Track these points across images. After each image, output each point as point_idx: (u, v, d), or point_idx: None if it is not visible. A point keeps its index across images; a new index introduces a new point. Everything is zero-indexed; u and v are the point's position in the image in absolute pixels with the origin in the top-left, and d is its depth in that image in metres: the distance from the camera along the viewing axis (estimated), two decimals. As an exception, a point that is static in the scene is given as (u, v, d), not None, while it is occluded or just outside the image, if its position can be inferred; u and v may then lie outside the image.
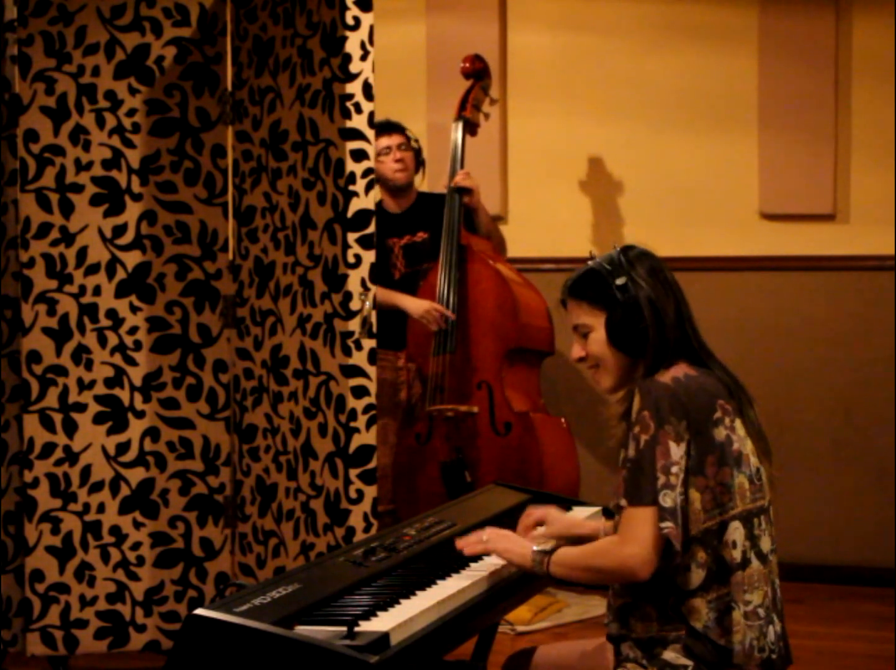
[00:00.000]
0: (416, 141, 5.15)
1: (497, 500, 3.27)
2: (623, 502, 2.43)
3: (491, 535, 2.68)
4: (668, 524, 2.39)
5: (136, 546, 4.05)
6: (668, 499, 2.40)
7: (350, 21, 3.66)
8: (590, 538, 2.73)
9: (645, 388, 2.46)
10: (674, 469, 2.41)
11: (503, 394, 4.87)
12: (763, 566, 2.50)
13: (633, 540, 2.41)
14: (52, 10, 3.96)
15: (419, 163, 5.16)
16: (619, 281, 2.53)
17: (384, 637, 2.20)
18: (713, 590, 2.45)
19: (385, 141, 5.03)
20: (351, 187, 3.66)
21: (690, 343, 2.56)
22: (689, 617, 2.44)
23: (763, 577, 2.50)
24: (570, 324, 2.62)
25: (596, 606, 4.82)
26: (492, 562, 2.71)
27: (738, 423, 2.52)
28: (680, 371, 2.50)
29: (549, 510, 2.89)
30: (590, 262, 2.59)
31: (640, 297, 2.52)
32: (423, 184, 5.22)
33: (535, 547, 2.59)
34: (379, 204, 5.00)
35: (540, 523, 2.86)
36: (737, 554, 2.46)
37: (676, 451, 2.41)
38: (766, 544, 2.52)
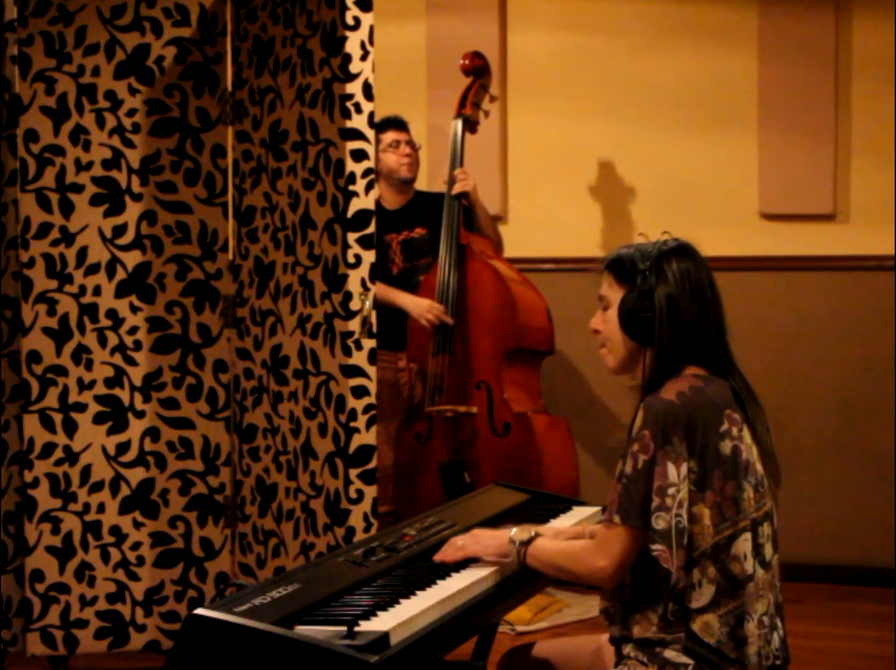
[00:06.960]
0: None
1: (497, 500, 3.27)
2: (616, 518, 2.44)
3: (465, 540, 2.71)
4: (658, 547, 2.39)
5: (136, 546, 4.05)
6: (660, 522, 2.39)
7: (350, 21, 3.66)
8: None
9: (648, 406, 2.44)
10: (670, 491, 2.39)
11: (502, 395, 4.86)
12: (766, 572, 2.49)
13: (607, 555, 2.45)
14: (52, 10, 3.96)
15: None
16: (643, 266, 2.53)
17: (384, 637, 2.20)
18: (724, 605, 2.43)
19: (394, 135, 5.08)
20: (351, 187, 3.66)
21: (712, 351, 2.53)
22: (701, 633, 2.42)
23: (767, 584, 2.48)
24: (598, 294, 2.63)
25: (596, 606, 4.78)
26: (491, 563, 2.71)
27: (745, 431, 2.49)
28: (685, 383, 2.46)
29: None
30: (634, 242, 2.61)
31: (657, 290, 2.51)
32: (416, 183, 5.23)
33: (511, 535, 2.62)
34: (377, 200, 5.02)
35: None
36: (746, 566, 2.44)
37: (675, 473, 2.40)
38: (768, 551, 2.50)
